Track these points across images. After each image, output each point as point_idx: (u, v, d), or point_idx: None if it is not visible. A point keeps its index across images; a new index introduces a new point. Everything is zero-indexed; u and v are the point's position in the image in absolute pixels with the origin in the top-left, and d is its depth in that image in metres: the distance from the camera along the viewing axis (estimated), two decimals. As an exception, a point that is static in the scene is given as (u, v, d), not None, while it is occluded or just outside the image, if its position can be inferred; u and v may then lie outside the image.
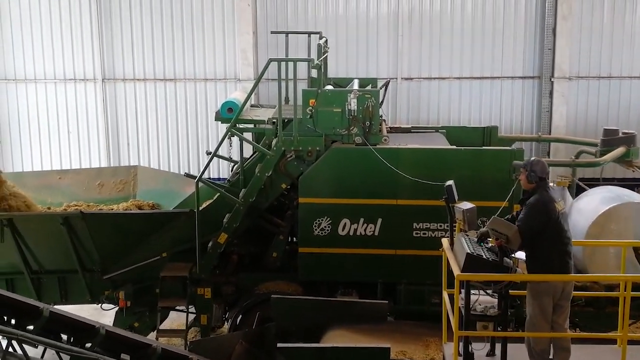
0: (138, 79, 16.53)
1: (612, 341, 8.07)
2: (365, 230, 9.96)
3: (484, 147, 10.93)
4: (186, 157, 16.75)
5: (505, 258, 7.08)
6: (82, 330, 7.58)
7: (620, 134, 10.92)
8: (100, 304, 10.90)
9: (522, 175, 7.31)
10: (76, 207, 11.23)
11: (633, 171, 10.56)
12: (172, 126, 16.62)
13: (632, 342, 7.74)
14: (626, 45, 16.21)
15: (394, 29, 16.26)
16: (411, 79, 16.42)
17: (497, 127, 11.95)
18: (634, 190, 11.26)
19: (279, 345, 8.35)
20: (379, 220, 9.93)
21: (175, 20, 16.28)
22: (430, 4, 16.21)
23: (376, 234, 9.95)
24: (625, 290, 7.63)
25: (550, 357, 7.44)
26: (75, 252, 10.38)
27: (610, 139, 10.93)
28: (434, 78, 16.44)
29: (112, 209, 11.26)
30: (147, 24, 16.29)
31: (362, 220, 9.95)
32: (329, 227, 9.97)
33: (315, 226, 9.98)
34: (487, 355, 7.60)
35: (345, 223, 9.97)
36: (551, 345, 7.44)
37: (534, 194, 7.22)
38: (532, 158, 7.52)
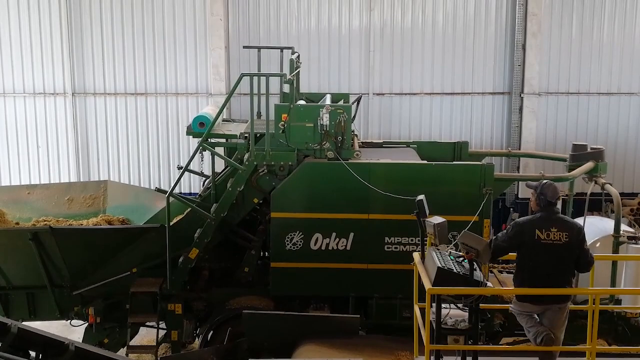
0: (109, 93, 16.42)
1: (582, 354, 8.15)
2: (337, 244, 9.97)
3: (454, 162, 10.99)
4: (157, 172, 16.65)
5: (475, 272, 7.11)
6: (52, 347, 7.45)
7: (589, 149, 11.03)
8: (69, 320, 10.77)
9: (532, 197, 7.40)
10: (45, 222, 11.08)
11: (594, 184, 10.69)
12: (142, 141, 16.52)
13: (600, 354, 7.83)
14: (594, 61, 16.45)
15: (365, 44, 16.36)
16: (383, 94, 16.51)
17: (468, 143, 12.02)
18: (605, 204, 11.45)
19: (250, 360, 8.32)
20: (351, 235, 9.94)
21: (146, 34, 16.23)
22: (402, 20, 16.33)
23: (348, 248, 9.96)
24: (594, 304, 7.71)
25: None
26: (44, 267, 10.26)
27: (579, 154, 11.04)
28: (406, 94, 16.54)
29: (82, 224, 11.14)
30: (118, 37, 16.21)
31: (334, 234, 9.95)
32: (301, 241, 9.96)
33: (287, 241, 9.96)
34: (459, 369, 7.62)
35: (317, 238, 9.97)
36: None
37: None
38: (545, 181, 7.48)
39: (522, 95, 16.31)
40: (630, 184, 16.76)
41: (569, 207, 10.86)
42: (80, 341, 9.55)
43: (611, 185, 10.60)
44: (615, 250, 9.95)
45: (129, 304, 10.23)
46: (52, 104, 16.45)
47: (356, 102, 11.59)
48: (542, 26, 16.16)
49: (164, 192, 10.55)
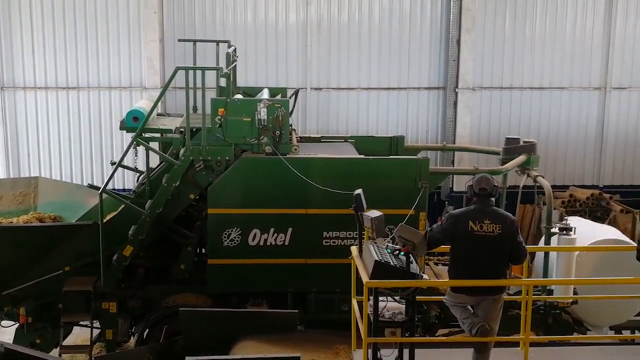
0: (39, 88, 16.00)
1: (515, 344, 8.30)
2: (275, 240, 9.93)
3: (391, 157, 11.08)
4: (89, 168, 16.30)
5: (412, 265, 7.16)
6: (-21, 349, 7.26)
7: (522, 143, 11.24)
8: (-2, 321, 10.49)
9: None
10: (-27, 220, 10.76)
11: (527, 177, 10.90)
12: (75, 136, 16.15)
13: (533, 344, 7.98)
14: (526, 57, 16.79)
15: (302, 39, 16.34)
16: (320, 89, 16.51)
17: (404, 137, 12.13)
18: (537, 197, 11.68)
19: (187, 358, 8.18)
20: (290, 230, 9.92)
21: (78, 27, 15.85)
22: (338, 14, 16.35)
23: (286, 243, 9.94)
24: (527, 294, 7.86)
25: None
26: (-29, 267, 9.95)
27: (512, 147, 11.23)
28: (343, 88, 16.58)
29: (12, 222, 10.83)
30: (48, 30, 15.80)
31: (272, 230, 9.92)
32: (238, 237, 9.89)
33: (224, 237, 9.88)
34: (396, 361, 7.67)
35: (255, 233, 9.91)
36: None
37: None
38: (479, 174, 7.57)
39: (456, 90, 16.53)
40: (562, 176, 17.19)
41: (502, 199, 11.05)
42: (11, 342, 9.33)
43: (543, 177, 10.82)
44: (547, 241, 10.18)
45: (61, 303, 10.01)
46: (-21, 99, 15.96)
47: (294, 96, 11.56)
48: (476, 22, 16.40)
49: (97, 188, 10.35)
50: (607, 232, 10.98)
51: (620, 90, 17.12)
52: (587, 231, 10.60)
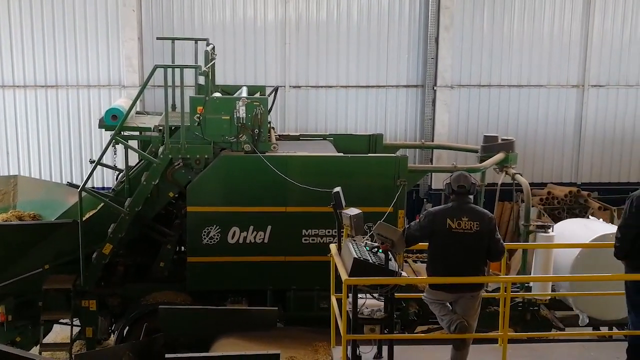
0: (18, 86, 15.90)
1: (494, 340, 8.38)
2: (255, 238, 9.96)
3: (369, 155, 11.13)
4: (68, 167, 16.22)
5: (390, 262, 7.21)
6: (-42, 348, 7.24)
7: (500, 141, 11.32)
8: (-22, 320, 10.42)
9: None
10: (-49, 219, 10.69)
11: (505, 174, 10.99)
12: (54, 134, 16.07)
13: (512, 341, 8.06)
14: (505, 55, 16.90)
15: (281, 37, 16.35)
16: (299, 87, 16.54)
17: (382, 135, 12.17)
18: (515, 194, 11.79)
19: (167, 356, 8.21)
20: (269, 228, 9.95)
21: (56, 25, 15.75)
22: (317, 12, 16.38)
23: (266, 241, 9.97)
24: (505, 292, 7.94)
25: None
26: (-50, 266, 9.89)
27: (490, 145, 11.31)
28: (322, 86, 16.61)
29: (-10, 221, 10.78)
30: (27, 28, 15.68)
31: (251, 228, 9.94)
32: (218, 235, 9.91)
33: (204, 235, 9.89)
34: (375, 357, 7.72)
35: (234, 231, 9.93)
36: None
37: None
38: (457, 172, 7.59)
39: (435, 88, 16.61)
40: (540, 174, 17.32)
41: (480, 197, 11.12)
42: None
43: (521, 175, 10.92)
44: (525, 238, 10.27)
45: (41, 301, 9.97)
46: (-43, 97, 15.83)
47: (274, 92, 11.57)
48: (455, 19, 16.48)
49: (76, 186, 10.32)
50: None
51: (598, 88, 17.30)
52: (598, 228, 10.64)
